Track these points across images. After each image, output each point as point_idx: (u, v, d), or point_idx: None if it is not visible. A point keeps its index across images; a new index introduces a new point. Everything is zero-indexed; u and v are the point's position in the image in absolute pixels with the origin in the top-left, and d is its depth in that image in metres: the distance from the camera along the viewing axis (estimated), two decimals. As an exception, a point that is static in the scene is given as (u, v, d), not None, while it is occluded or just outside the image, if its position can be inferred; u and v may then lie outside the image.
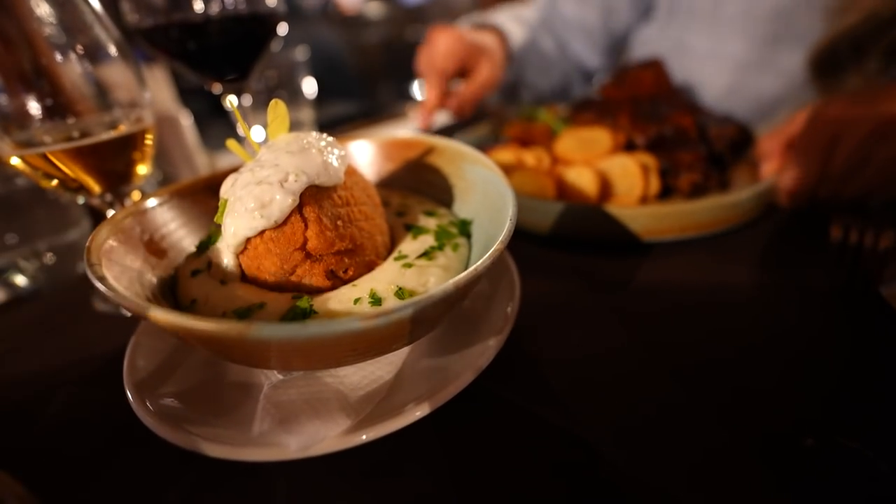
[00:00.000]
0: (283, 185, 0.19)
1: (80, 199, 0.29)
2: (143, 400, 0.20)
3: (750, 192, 0.32)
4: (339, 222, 0.20)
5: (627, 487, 0.17)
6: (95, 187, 0.28)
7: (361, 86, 2.37)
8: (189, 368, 0.22)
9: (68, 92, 0.28)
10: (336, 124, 0.70)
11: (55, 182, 0.27)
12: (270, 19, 0.34)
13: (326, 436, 0.17)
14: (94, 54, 0.27)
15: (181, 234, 0.25)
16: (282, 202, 0.19)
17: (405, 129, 0.71)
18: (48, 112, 0.27)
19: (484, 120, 0.57)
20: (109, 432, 0.22)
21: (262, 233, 0.20)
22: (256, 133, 0.48)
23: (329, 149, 0.21)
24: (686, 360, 0.23)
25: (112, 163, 0.27)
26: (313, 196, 0.20)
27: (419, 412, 0.18)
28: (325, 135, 0.23)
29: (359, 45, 2.40)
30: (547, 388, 0.22)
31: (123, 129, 0.27)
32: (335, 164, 0.21)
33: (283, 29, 0.35)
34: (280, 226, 0.19)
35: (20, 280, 0.33)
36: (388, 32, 2.33)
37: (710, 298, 0.28)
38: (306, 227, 0.20)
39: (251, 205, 0.19)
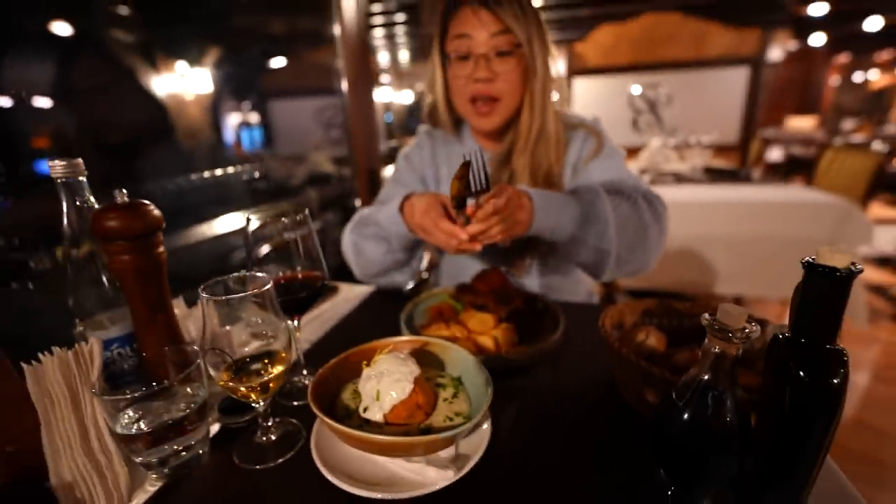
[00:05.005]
0: (408, 379, 0.47)
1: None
2: (342, 470, 0.42)
3: (549, 342, 0.69)
4: (426, 388, 0.48)
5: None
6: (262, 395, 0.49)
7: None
8: (350, 455, 0.45)
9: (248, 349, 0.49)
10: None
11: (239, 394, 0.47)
12: (325, 281, 0.61)
13: (450, 476, 0.43)
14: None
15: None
16: (409, 387, 0.46)
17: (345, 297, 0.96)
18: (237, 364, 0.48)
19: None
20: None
21: (399, 401, 0.46)
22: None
23: (412, 358, 0.49)
24: (555, 429, 0.56)
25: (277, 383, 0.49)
26: (417, 380, 0.48)
27: (469, 467, 0.46)
28: (405, 352, 0.51)
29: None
30: (506, 445, 0.52)
31: (281, 366, 0.50)
32: (416, 364, 0.49)
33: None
34: (408, 397, 0.46)
35: (174, 465, 0.48)
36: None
37: (555, 394, 0.62)
38: (418, 395, 0.47)
39: (395, 392, 0.46)
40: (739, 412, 0.39)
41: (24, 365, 0.43)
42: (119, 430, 0.45)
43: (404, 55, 6.65)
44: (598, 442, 0.51)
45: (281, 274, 0.59)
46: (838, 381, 0.35)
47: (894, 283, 3.19)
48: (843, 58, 7.60)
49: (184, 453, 0.49)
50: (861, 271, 0.34)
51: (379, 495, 0.42)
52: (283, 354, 0.50)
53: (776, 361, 0.38)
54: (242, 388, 0.46)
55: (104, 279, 0.53)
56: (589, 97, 3.68)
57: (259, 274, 0.51)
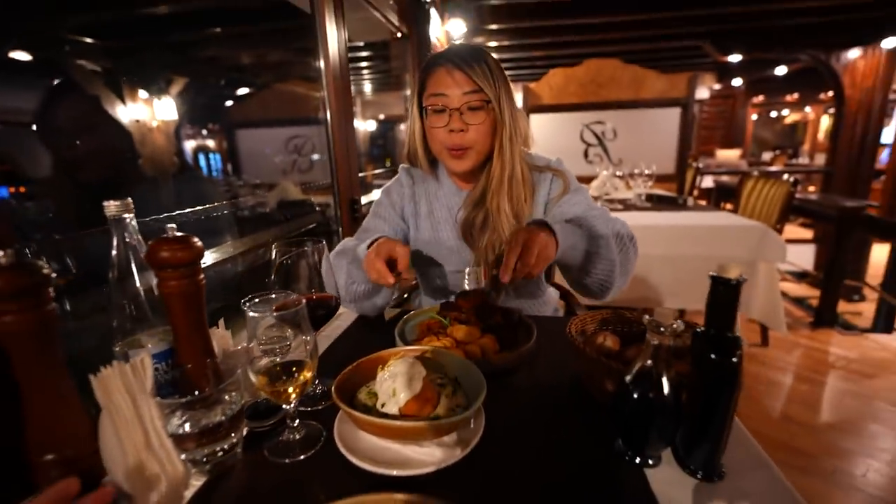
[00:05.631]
0: (418, 378, 0.56)
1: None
2: (364, 456, 0.51)
3: (525, 349, 0.81)
4: (432, 386, 0.58)
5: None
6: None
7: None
8: (369, 444, 0.54)
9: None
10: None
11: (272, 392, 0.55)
12: (337, 301, 0.69)
13: (457, 455, 0.53)
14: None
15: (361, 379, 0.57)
16: (420, 384, 0.56)
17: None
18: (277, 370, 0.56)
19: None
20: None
21: (413, 396, 0.55)
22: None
23: (418, 361, 0.59)
24: (534, 416, 0.67)
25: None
26: (425, 378, 0.57)
27: (470, 447, 0.56)
28: (411, 357, 0.60)
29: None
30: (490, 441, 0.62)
31: (310, 372, 0.58)
32: (423, 367, 0.59)
33: (335, 305, 0.71)
34: (419, 392, 0.56)
35: (215, 462, 0.55)
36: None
37: (532, 390, 0.73)
38: (427, 390, 0.56)
39: (408, 391, 0.55)
40: (673, 390, 0.52)
41: (91, 376, 0.49)
42: (171, 431, 0.51)
43: (368, 87, 6.85)
44: (569, 424, 0.63)
45: (296, 295, 0.67)
46: (736, 359, 0.48)
47: (811, 295, 3.59)
48: (759, 98, 8.54)
49: (220, 453, 0.56)
50: (746, 280, 0.48)
51: (395, 472, 0.51)
52: (310, 362, 0.58)
53: (696, 350, 0.52)
54: (289, 389, 0.54)
55: (144, 304, 0.60)
56: (545, 131, 3.98)
57: (285, 294, 0.60)
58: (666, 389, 0.51)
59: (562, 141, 4.00)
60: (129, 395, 0.50)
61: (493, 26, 3.74)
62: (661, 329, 0.49)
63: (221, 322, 0.73)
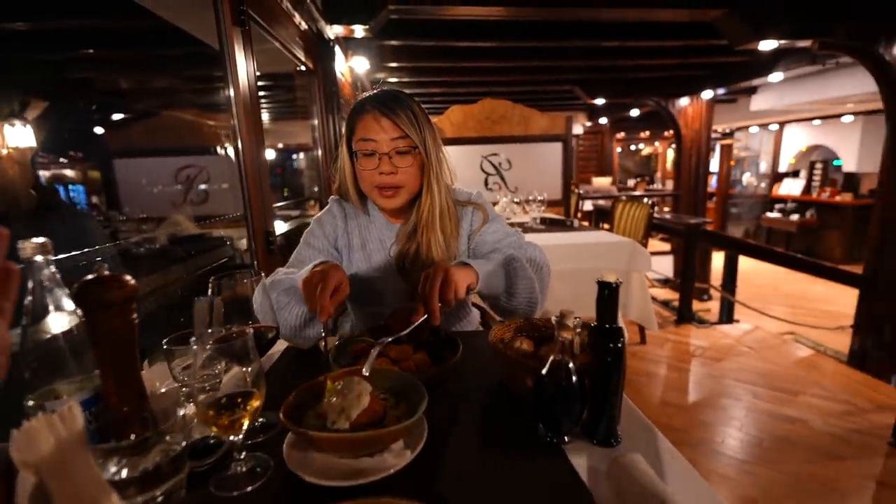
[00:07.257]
0: (365, 394, 0.61)
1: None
2: (320, 475, 0.54)
3: (453, 361, 0.89)
4: (377, 400, 0.63)
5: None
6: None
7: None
8: (319, 460, 0.57)
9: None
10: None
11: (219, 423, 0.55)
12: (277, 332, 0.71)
13: (407, 457, 0.58)
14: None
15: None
16: (367, 399, 0.60)
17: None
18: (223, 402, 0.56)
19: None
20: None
21: (361, 410, 0.59)
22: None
23: (362, 379, 0.64)
24: (467, 418, 0.74)
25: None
26: (371, 393, 0.62)
27: (418, 450, 0.61)
28: (357, 377, 0.64)
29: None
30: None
31: (258, 402, 0.59)
32: (367, 383, 0.63)
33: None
34: (367, 406, 0.60)
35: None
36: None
37: (463, 396, 0.81)
38: (374, 404, 0.61)
39: (357, 406, 0.59)
40: (579, 376, 0.64)
41: (13, 431, 0.45)
42: (107, 479, 0.49)
43: (266, 116, 6.61)
44: (498, 419, 0.72)
45: (236, 328, 0.68)
46: (620, 344, 0.62)
47: (674, 298, 4.26)
48: (621, 134, 10.04)
49: (161, 497, 0.54)
50: (621, 283, 0.62)
51: (355, 482, 0.55)
52: (258, 391, 0.59)
53: (592, 341, 0.64)
54: (242, 419, 0.55)
55: (63, 350, 0.56)
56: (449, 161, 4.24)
57: (224, 329, 0.61)
58: (574, 377, 0.63)
59: (464, 171, 4.30)
60: (61, 447, 0.47)
61: (394, 64, 3.94)
62: (566, 325, 0.61)
63: (146, 364, 0.69)
